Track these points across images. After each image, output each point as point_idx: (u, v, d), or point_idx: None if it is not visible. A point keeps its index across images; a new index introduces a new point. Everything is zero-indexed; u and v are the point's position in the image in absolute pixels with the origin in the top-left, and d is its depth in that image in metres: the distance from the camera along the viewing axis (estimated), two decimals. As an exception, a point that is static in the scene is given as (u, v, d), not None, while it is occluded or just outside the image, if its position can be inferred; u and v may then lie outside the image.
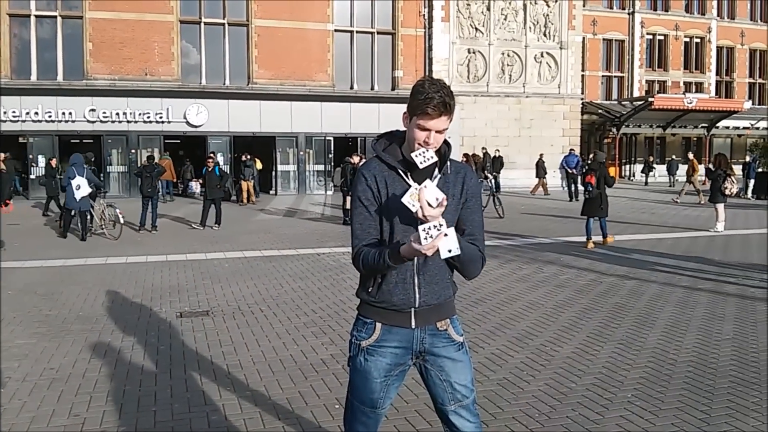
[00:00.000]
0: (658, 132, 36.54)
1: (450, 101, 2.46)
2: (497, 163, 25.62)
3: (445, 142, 2.60)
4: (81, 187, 12.97)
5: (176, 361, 5.56)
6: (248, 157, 22.66)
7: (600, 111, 33.82)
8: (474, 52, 28.77)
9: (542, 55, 29.67)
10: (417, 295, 2.56)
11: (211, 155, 16.30)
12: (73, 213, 13.47)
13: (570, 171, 24.05)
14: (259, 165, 24.98)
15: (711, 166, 16.54)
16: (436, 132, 2.49)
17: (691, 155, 26.37)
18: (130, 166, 23.61)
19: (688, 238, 13.40)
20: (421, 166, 2.47)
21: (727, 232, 14.06)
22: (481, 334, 6.29)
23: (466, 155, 20.40)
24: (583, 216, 12.32)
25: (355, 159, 15.58)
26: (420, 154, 2.48)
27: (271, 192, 26.71)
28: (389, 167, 2.56)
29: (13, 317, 7.05)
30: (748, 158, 27.98)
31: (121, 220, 13.68)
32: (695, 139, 37.87)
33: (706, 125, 36.02)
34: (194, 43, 26.02)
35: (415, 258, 2.48)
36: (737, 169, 25.00)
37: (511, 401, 4.60)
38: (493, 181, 22.58)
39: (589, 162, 13.33)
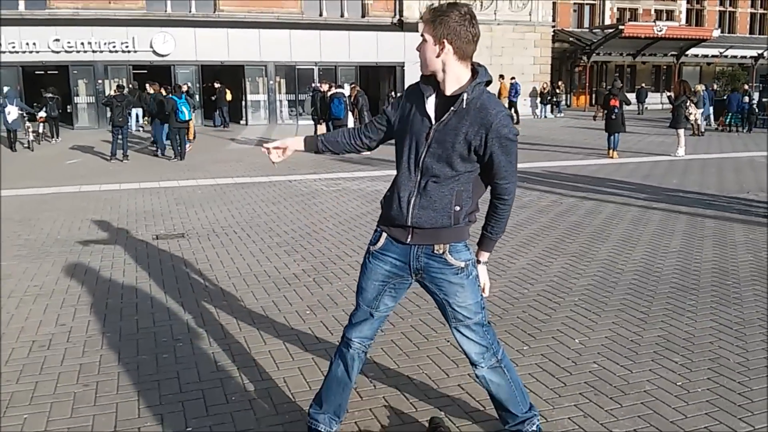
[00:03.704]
0: (629, 60, 36.70)
1: (421, 15, 2.68)
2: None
3: (474, 69, 2.68)
4: (11, 112, 16.73)
5: (155, 276, 5.84)
6: (188, 87, 20.75)
7: (571, 39, 33.76)
8: (445, -22, 28.28)
9: (514, -19, 29.37)
10: (408, 214, 2.68)
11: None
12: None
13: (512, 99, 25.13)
14: (228, 96, 24.77)
15: (673, 93, 16.93)
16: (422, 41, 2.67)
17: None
18: (98, 96, 23.27)
19: (649, 163, 13.86)
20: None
21: (687, 157, 14.53)
22: (445, 250, 6.64)
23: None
24: (606, 132, 14.72)
25: (324, 87, 15.59)
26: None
27: (241, 122, 26.57)
28: (419, 92, 2.71)
29: (-8, 241, 7.25)
30: (715, 86, 28.28)
31: (31, 137, 17.22)
32: (665, 67, 38.12)
33: (676, 53, 36.18)
34: (158, -32, 25.30)
35: (418, 177, 2.67)
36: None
37: (468, 306, 4.96)
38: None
39: (610, 88, 15.70)
